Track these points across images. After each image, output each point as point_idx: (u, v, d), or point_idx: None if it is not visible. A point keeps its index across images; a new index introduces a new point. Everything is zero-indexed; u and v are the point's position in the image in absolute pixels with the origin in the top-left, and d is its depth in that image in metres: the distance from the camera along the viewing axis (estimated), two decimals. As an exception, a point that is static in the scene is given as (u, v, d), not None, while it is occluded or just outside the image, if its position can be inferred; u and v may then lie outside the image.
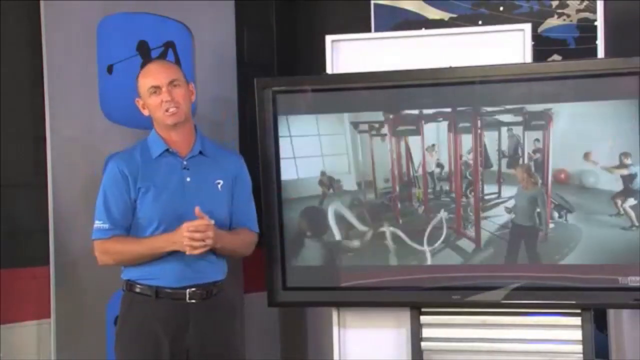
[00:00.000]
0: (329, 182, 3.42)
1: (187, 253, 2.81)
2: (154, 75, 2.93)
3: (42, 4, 3.33)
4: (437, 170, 3.34)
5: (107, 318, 3.42)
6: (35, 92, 3.37)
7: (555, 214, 3.23)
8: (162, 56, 3.64)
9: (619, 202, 3.16)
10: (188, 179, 2.93)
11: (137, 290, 2.91)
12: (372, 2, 3.89)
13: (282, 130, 3.43)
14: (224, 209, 3.00)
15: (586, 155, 3.16)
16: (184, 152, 2.96)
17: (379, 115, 3.38)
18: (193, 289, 2.90)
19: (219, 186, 2.99)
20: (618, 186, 3.15)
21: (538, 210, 3.24)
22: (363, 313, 3.55)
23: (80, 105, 3.41)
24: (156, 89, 2.91)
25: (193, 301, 2.89)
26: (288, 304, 3.61)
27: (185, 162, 2.94)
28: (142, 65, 3.22)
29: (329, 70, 3.53)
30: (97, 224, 2.90)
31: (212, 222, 2.84)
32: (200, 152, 2.98)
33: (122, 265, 2.94)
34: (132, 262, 2.89)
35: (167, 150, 2.94)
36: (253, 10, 4.14)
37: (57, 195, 3.33)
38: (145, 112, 2.97)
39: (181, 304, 2.89)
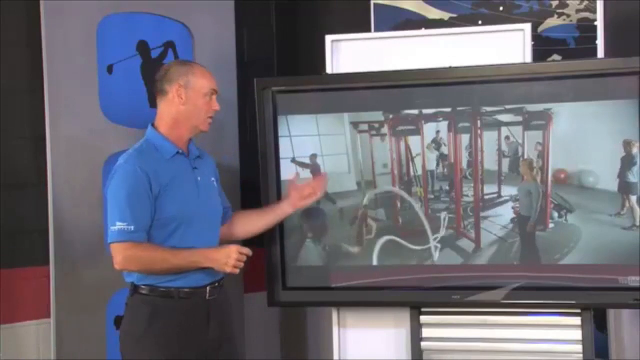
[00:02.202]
0: (313, 164, 3.42)
1: (228, 272, 2.85)
2: (214, 82, 2.97)
3: (42, 4, 3.34)
4: (438, 170, 3.34)
5: (107, 318, 3.42)
6: (35, 92, 3.38)
7: (555, 214, 3.23)
8: (162, 56, 3.65)
9: (627, 199, 3.15)
10: (199, 179, 2.95)
11: (158, 294, 2.85)
12: (372, 2, 3.89)
13: (282, 130, 3.43)
14: (221, 206, 3.07)
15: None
16: (188, 154, 2.97)
17: (379, 115, 3.38)
18: (210, 287, 2.92)
19: (215, 183, 3.06)
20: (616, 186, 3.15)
21: (538, 206, 3.24)
22: (363, 313, 3.55)
23: (80, 105, 3.41)
24: (214, 95, 2.95)
25: (212, 297, 2.91)
26: (288, 304, 3.60)
27: (192, 163, 2.97)
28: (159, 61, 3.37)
29: (329, 70, 3.53)
30: (121, 225, 2.78)
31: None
32: (198, 156, 3.02)
33: (143, 273, 2.85)
34: (158, 272, 2.83)
35: (178, 152, 2.94)
36: (253, 10, 4.14)
37: (57, 195, 3.33)
38: (180, 102, 2.89)
39: (202, 302, 2.89)
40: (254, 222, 3.23)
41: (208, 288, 2.90)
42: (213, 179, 3.05)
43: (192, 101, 2.91)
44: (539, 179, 3.22)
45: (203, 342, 2.89)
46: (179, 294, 2.86)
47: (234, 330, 3.09)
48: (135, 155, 2.88)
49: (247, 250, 2.85)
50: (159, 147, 2.91)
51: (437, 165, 3.34)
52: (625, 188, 3.14)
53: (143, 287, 2.86)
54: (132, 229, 2.78)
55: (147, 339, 2.84)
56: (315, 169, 3.43)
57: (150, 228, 2.84)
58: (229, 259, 2.81)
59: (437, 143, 3.33)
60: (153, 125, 2.95)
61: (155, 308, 2.84)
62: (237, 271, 2.86)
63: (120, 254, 2.79)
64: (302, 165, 3.43)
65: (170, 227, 2.86)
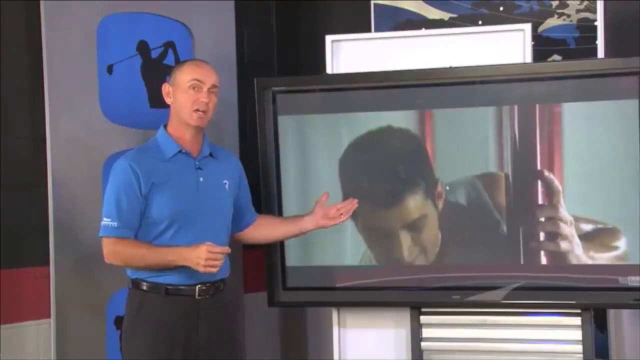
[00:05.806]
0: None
1: (201, 272, 2.80)
2: (202, 72, 2.93)
3: (42, 4, 3.33)
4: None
5: (107, 318, 3.42)
6: (35, 92, 3.38)
7: (556, 215, 3.23)
8: (162, 56, 3.64)
9: None
10: (201, 179, 2.93)
11: (146, 288, 2.88)
12: (372, 2, 3.89)
13: (282, 130, 3.43)
14: (230, 209, 3.04)
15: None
16: (195, 153, 2.96)
17: (379, 115, 3.38)
18: (201, 286, 2.89)
19: (226, 186, 3.02)
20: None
21: (536, 209, 3.24)
22: (363, 313, 3.55)
23: (80, 105, 3.41)
24: (199, 85, 2.91)
25: (202, 297, 2.89)
26: (288, 304, 3.60)
27: (197, 163, 2.95)
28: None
29: (329, 70, 3.53)
30: (106, 221, 2.85)
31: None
32: (210, 154, 3.00)
33: (129, 268, 2.91)
34: (139, 267, 2.87)
35: (180, 150, 2.94)
36: (253, 10, 4.14)
37: (57, 195, 3.33)
38: (169, 100, 2.96)
39: (191, 301, 2.88)
40: (270, 229, 3.20)
41: (198, 287, 2.88)
42: (225, 181, 3.01)
43: (177, 97, 2.94)
44: (539, 182, 3.22)
45: (192, 341, 2.87)
46: (166, 289, 2.86)
47: (234, 335, 3.02)
48: (132, 153, 2.93)
49: (218, 249, 2.80)
50: (162, 146, 2.94)
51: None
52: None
53: (135, 280, 2.90)
54: (115, 225, 2.84)
55: (134, 329, 2.89)
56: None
57: (140, 226, 2.87)
58: (199, 258, 2.78)
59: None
60: (164, 124, 2.99)
61: (143, 301, 2.88)
62: (213, 270, 2.81)
63: (105, 248, 2.87)
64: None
65: (160, 226, 2.87)
